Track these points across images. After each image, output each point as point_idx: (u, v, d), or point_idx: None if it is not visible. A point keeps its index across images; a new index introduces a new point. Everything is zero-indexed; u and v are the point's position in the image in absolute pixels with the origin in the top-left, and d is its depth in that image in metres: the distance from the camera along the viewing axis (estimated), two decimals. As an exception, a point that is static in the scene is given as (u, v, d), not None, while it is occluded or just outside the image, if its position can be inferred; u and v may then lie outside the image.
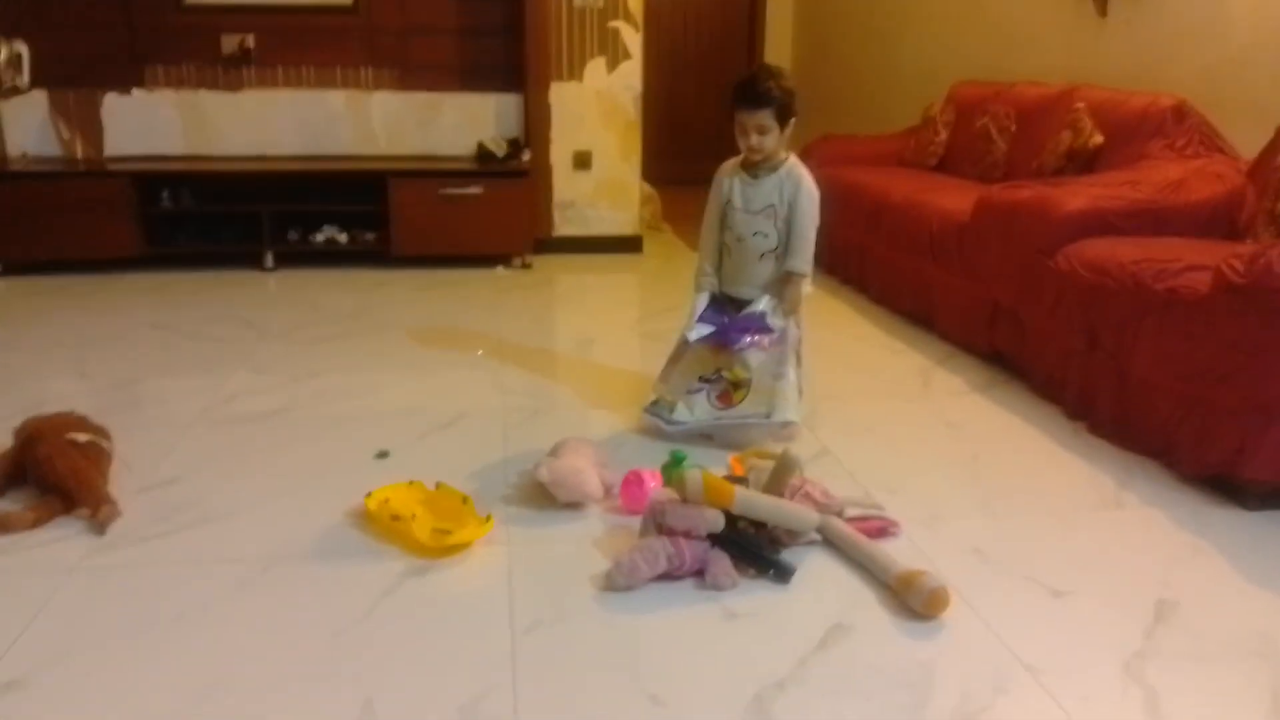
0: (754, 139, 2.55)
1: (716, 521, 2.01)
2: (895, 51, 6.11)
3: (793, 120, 2.59)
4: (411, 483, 2.33)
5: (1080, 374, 2.93)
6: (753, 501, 2.06)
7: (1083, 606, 1.95)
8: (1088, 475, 2.58)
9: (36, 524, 2.19)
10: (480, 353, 3.58)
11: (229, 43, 4.88)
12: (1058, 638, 1.84)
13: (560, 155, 5.17)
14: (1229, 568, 2.11)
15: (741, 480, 2.24)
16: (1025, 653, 1.79)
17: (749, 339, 2.65)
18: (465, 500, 2.24)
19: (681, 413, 2.71)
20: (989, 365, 3.45)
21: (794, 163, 2.67)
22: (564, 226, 5.28)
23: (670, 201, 6.28)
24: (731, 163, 2.74)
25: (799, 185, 2.64)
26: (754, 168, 2.67)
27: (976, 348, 3.55)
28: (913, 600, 1.90)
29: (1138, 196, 3.15)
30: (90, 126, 4.86)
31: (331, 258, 4.88)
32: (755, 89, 2.51)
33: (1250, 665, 1.74)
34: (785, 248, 2.67)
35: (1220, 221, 3.09)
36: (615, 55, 5.08)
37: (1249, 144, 3.34)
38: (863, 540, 2.10)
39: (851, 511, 2.24)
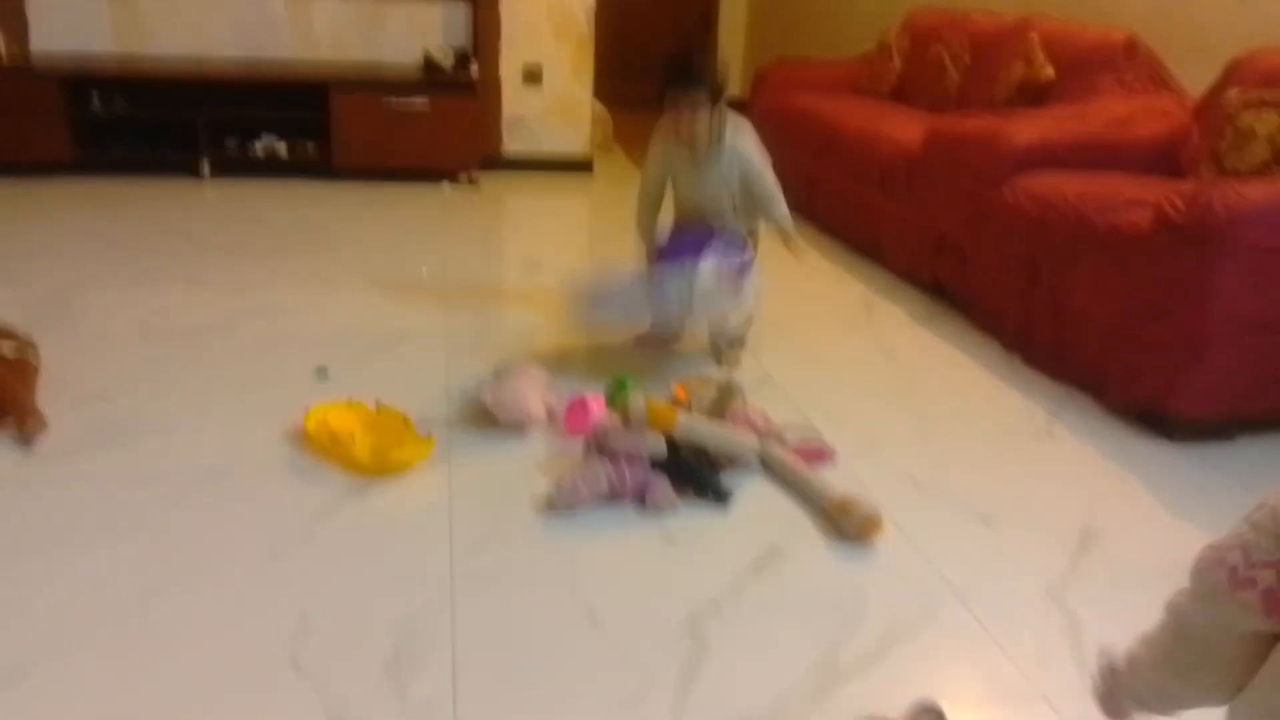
0: (686, 118, 2.53)
1: (658, 446, 2.02)
2: (854, -26, 6.00)
3: (723, 99, 2.57)
4: (351, 402, 2.30)
5: (1020, 307, 2.97)
6: (694, 427, 2.08)
7: (1011, 534, 2.01)
8: (1021, 407, 2.64)
9: (-40, 437, 2.13)
10: (424, 270, 3.52)
11: (162, -64, 4.63)
12: (986, 564, 1.90)
13: (510, 69, 5.03)
14: (1152, 499, 2.18)
15: (685, 406, 2.25)
16: (954, 577, 1.84)
17: (714, 257, 2.58)
18: (406, 421, 2.22)
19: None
20: (931, 297, 3.48)
21: (733, 138, 2.63)
22: (513, 144, 5.17)
23: (621, 123, 6.17)
24: (669, 131, 2.67)
25: (746, 161, 2.63)
26: (695, 150, 2.64)
27: (919, 279, 3.57)
28: (846, 525, 1.94)
29: (1085, 130, 3.17)
30: (14, 21, 4.59)
31: (271, 168, 4.72)
32: (686, 68, 2.53)
33: (1166, 590, 1.80)
34: (752, 206, 2.69)
35: (1165, 159, 3.12)
36: (568, -34, 4.93)
37: (1196, 82, 3.36)
38: (800, 466, 2.14)
39: (790, 437, 2.27)
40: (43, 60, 4.57)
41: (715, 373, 2.60)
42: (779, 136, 4.87)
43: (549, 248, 4.13)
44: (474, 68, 4.83)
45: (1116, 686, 1.12)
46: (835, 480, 2.10)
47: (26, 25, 4.64)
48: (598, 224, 4.68)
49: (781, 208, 2.68)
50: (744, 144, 2.64)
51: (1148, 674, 1.07)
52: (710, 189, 2.68)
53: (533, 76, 5.07)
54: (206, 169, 4.60)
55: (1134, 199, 2.63)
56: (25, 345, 2.39)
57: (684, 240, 2.65)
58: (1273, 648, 0.90)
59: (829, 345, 3.02)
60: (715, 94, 2.54)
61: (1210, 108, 3.03)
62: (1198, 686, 1.00)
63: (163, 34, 4.77)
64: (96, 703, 1.43)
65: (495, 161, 5.08)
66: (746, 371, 2.70)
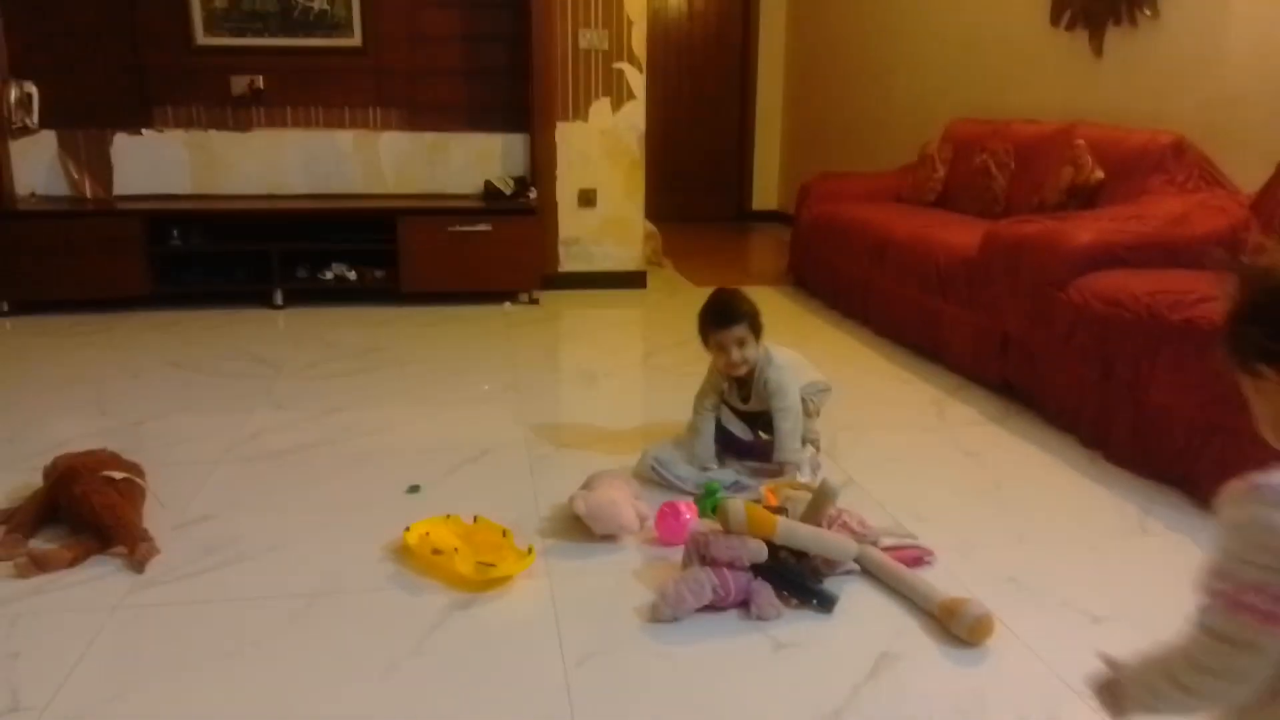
0: (735, 354, 2.65)
1: (760, 551, 2.04)
2: (888, 90, 6.23)
3: (761, 332, 2.69)
4: (448, 516, 2.34)
5: (1095, 403, 2.98)
6: (794, 531, 2.09)
7: (1121, 632, 1.98)
8: (1111, 503, 2.62)
9: (74, 563, 2.19)
10: (486, 388, 3.61)
11: (238, 83, 4.93)
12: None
13: (566, 193, 5.23)
14: (1259, 592, 2.14)
15: (778, 510, 2.27)
16: (1071, 678, 1.81)
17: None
18: (505, 533, 2.25)
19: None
20: (1000, 395, 3.50)
21: (763, 365, 2.71)
22: (569, 262, 5.33)
23: (670, 237, 6.35)
24: (717, 372, 2.79)
25: (775, 388, 2.70)
26: (743, 385, 2.76)
27: (986, 378, 3.60)
28: (957, 628, 1.93)
29: (1144, 230, 3.23)
30: (99, 166, 4.89)
31: (340, 294, 4.90)
32: (728, 308, 2.68)
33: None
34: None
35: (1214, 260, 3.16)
36: (619, 96, 5.17)
37: (1245, 179, 3.44)
38: (901, 569, 2.13)
39: (886, 541, 2.27)
40: (125, 201, 4.82)
41: (805, 478, 2.62)
42: (829, 245, 5.02)
43: (612, 360, 4.22)
44: (533, 193, 5.03)
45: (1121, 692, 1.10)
46: (935, 582, 2.10)
47: (111, 170, 4.92)
48: (654, 334, 4.77)
49: (793, 443, 2.71)
50: (771, 369, 2.71)
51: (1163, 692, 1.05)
52: (756, 408, 2.79)
53: (587, 199, 5.27)
54: (279, 298, 4.78)
55: (1205, 294, 2.67)
56: (132, 469, 2.47)
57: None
58: None
59: (907, 446, 3.04)
60: (755, 328, 2.67)
61: (1269, 201, 3.09)
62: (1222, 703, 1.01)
63: (238, 173, 5.04)
64: (237, 823, 1.44)
65: (553, 280, 5.23)
66: (829, 475, 2.71)
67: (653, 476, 2.69)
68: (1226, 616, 0.94)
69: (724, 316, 2.67)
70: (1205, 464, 2.57)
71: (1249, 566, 0.93)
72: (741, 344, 2.66)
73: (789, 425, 2.70)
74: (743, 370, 2.70)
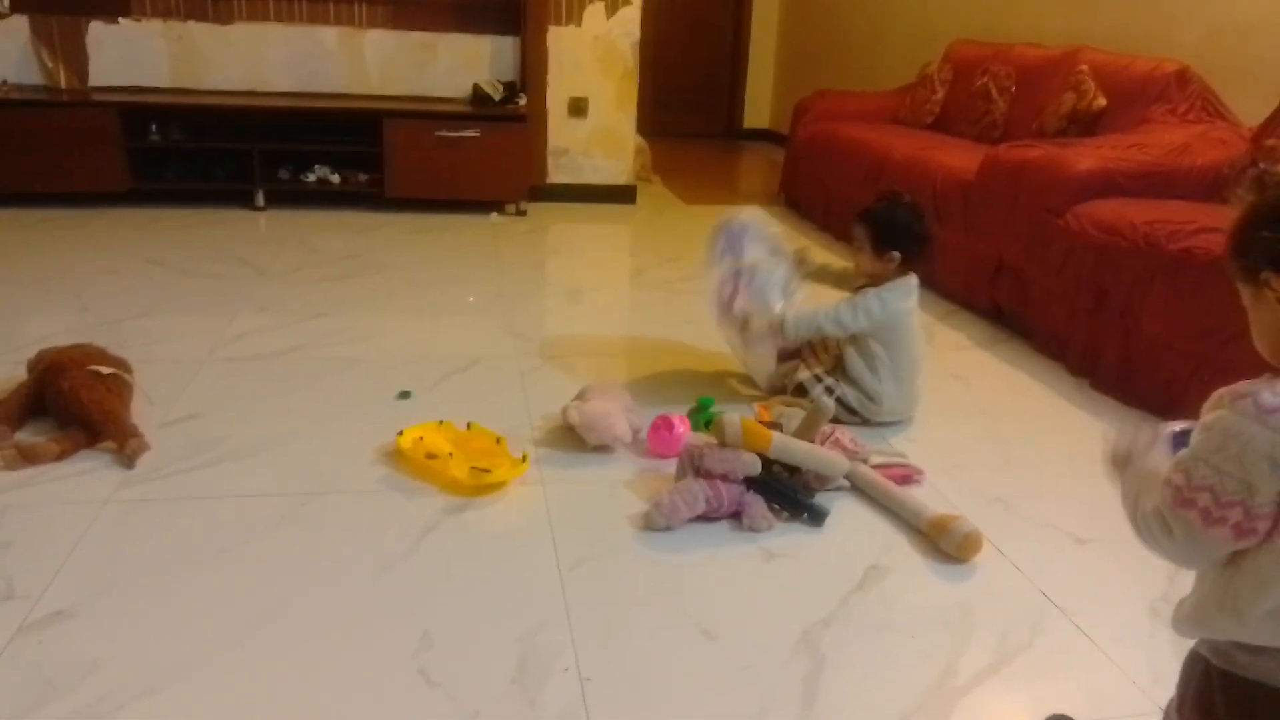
0: (856, 245, 2.57)
1: (754, 465, 2.05)
2: (888, 8, 6.10)
3: (893, 253, 2.51)
4: (441, 422, 2.33)
5: (1086, 331, 2.99)
6: (789, 446, 2.10)
7: (1105, 554, 2.02)
8: (1096, 429, 2.65)
9: (62, 456, 2.17)
10: (471, 300, 3.57)
11: (220, -28, 4.74)
12: (1085, 582, 1.91)
13: (556, 101, 5.11)
14: (1238, 519, 2.19)
15: (771, 426, 2.28)
16: (1056, 595, 1.86)
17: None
18: (499, 440, 2.25)
19: None
20: (990, 321, 3.51)
21: (876, 289, 2.54)
22: (558, 174, 5.24)
23: (659, 153, 6.25)
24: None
25: (857, 299, 2.54)
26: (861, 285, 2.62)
27: (977, 304, 3.60)
28: (946, 544, 1.96)
29: (1145, 159, 3.21)
30: (75, 55, 4.71)
31: (323, 198, 4.80)
32: (868, 208, 2.56)
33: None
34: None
35: (1223, 186, 3.15)
36: (614, 1, 5.01)
37: (1248, 111, 3.41)
38: (892, 486, 2.16)
39: (876, 459, 2.29)
40: (101, 92, 4.67)
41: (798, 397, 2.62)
42: (824, 165, 4.96)
43: (602, 275, 4.18)
44: (522, 99, 4.91)
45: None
46: (925, 501, 2.12)
47: (87, 59, 4.75)
48: (644, 251, 4.73)
49: (802, 321, 2.55)
50: (871, 296, 2.53)
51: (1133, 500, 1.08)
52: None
53: (578, 109, 5.15)
54: (261, 199, 4.68)
55: (1203, 225, 2.66)
56: (120, 365, 2.43)
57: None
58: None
59: (895, 369, 3.04)
60: (878, 240, 2.51)
61: (1270, 134, 3.07)
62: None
63: (219, 68, 4.87)
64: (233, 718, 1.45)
65: (541, 191, 5.15)
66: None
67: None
68: (1173, 509, 0.98)
69: (862, 213, 2.57)
70: (1192, 396, 2.57)
71: (1206, 467, 0.96)
72: (860, 248, 2.56)
73: (820, 312, 2.52)
74: (859, 277, 2.61)
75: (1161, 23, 3.89)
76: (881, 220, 2.53)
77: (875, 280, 2.57)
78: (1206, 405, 0.99)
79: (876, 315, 2.51)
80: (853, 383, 2.55)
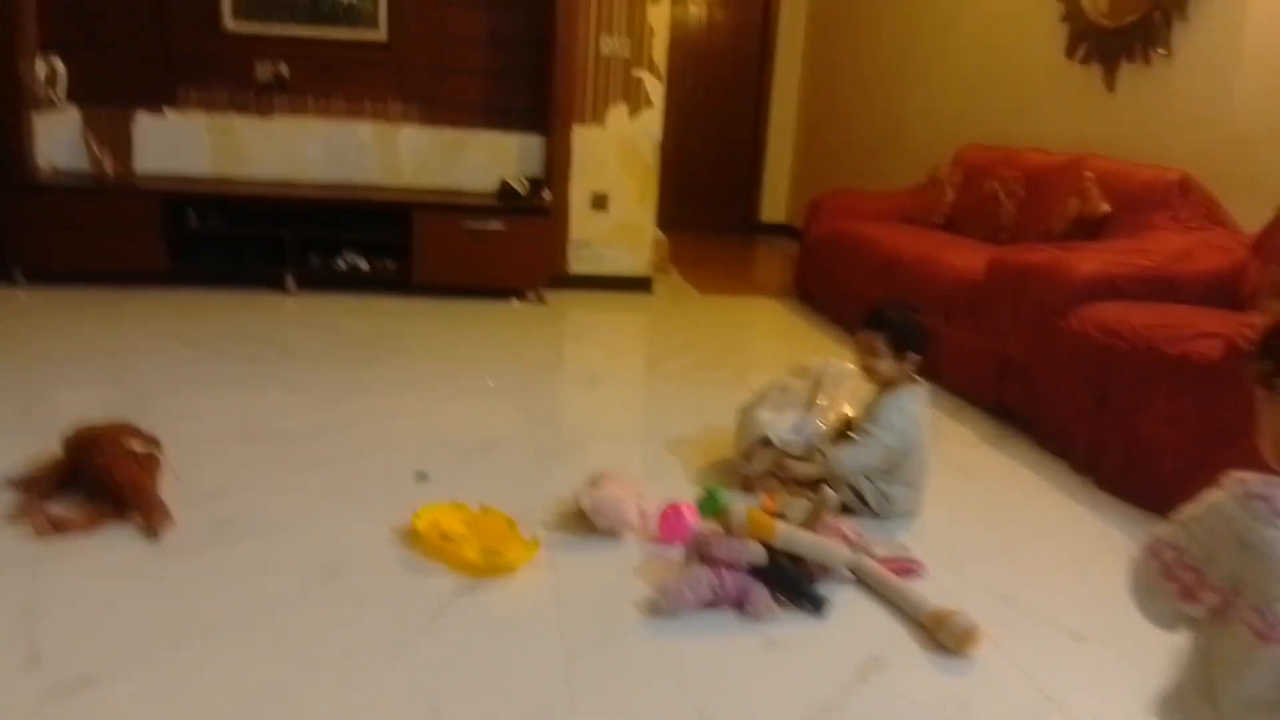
0: (864, 358, 2.67)
1: (759, 554, 2.10)
2: (902, 111, 6.32)
3: (912, 354, 2.62)
4: (456, 504, 2.41)
5: (1089, 430, 3.05)
6: (793, 537, 2.16)
7: (1102, 651, 2.05)
8: (1097, 528, 2.69)
9: (90, 527, 2.25)
10: (490, 384, 3.67)
11: (263, 69, 5.00)
12: (1081, 679, 1.95)
13: (579, 195, 5.30)
14: (1237, 620, 2.21)
15: (776, 516, 2.34)
16: (1053, 692, 1.88)
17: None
18: (511, 523, 2.32)
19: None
20: (995, 418, 3.57)
21: (894, 394, 2.64)
22: (578, 264, 5.40)
23: (678, 245, 6.42)
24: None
25: (882, 416, 2.62)
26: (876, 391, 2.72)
27: (983, 401, 3.67)
28: (945, 637, 2.00)
29: (1147, 264, 3.31)
30: (121, 144, 4.94)
31: (351, 283, 4.96)
32: (879, 312, 2.67)
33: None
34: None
35: (1224, 292, 3.24)
36: (637, 102, 5.24)
37: (1249, 219, 3.51)
38: (893, 578, 2.20)
39: (879, 551, 2.34)
40: (145, 180, 4.89)
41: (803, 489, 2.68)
42: (837, 261, 5.09)
43: (618, 363, 4.29)
44: (546, 194, 5.10)
45: None
46: (925, 594, 2.16)
47: (131, 148, 4.98)
48: (659, 339, 4.85)
49: (846, 458, 2.62)
50: (903, 398, 2.64)
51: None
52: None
53: (600, 203, 5.34)
54: (292, 283, 4.84)
55: (1202, 330, 2.75)
56: (151, 442, 2.53)
57: None
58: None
59: (902, 463, 3.10)
60: (898, 344, 2.61)
61: (1270, 241, 3.17)
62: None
63: (258, 158, 5.10)
64: (249, 782, 1.50)
65: (561, 280, 5.30)
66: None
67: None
68: (1155, 577, 1.10)
69: (871, 318, 2.66)
70: (1192, 496, 2.63)
71: (1194, 543, 1.06)
72: (871, 351, 2.64)
73: (859, 449, 2.60)
74: (871, 377, 2.69)
75: (1164, 132, 4.04)
76: (898, 325, 2.63)
77: (890, 385, 2.66)
78: (1212, 487, 1.08)
79: (898, 426, 2.60)
80: (872, 480, 2.63)
